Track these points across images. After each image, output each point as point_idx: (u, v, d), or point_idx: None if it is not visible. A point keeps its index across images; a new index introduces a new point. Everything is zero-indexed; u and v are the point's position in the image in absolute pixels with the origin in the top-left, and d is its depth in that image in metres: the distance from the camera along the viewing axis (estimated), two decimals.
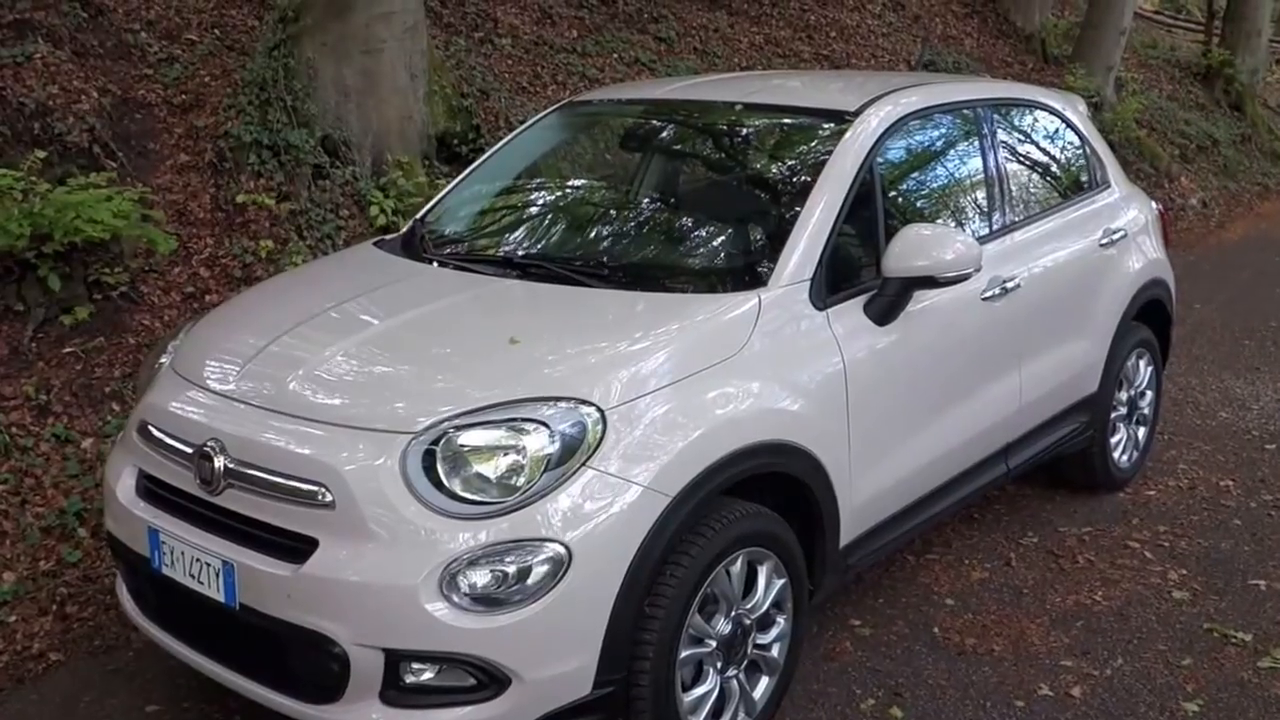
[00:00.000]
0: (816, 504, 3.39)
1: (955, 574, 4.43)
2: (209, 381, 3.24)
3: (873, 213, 3.74)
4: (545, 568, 2.77)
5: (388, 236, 4.29)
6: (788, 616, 3.39)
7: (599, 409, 2.91)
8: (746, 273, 3.51)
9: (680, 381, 3.07)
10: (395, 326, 3.33)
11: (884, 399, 3.61)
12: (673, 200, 4.30)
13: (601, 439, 2.88)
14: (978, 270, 3.64)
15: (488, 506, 2.80)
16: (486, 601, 2.75)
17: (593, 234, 4.02)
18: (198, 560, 3.02)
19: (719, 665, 3.21)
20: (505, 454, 2.84)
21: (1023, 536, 4.76)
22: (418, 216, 4.31)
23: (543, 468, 2.82)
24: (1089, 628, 4.06)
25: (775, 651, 3.38)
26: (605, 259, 3.74)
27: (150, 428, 3.27)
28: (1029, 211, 4.50)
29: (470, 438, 2.85)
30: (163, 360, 3.58)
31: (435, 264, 3.82)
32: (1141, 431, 5.31)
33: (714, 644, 3.17)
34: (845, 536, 3.55)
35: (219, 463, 3.00)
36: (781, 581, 3.34)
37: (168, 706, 3.60)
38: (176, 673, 3.70)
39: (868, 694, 3.65)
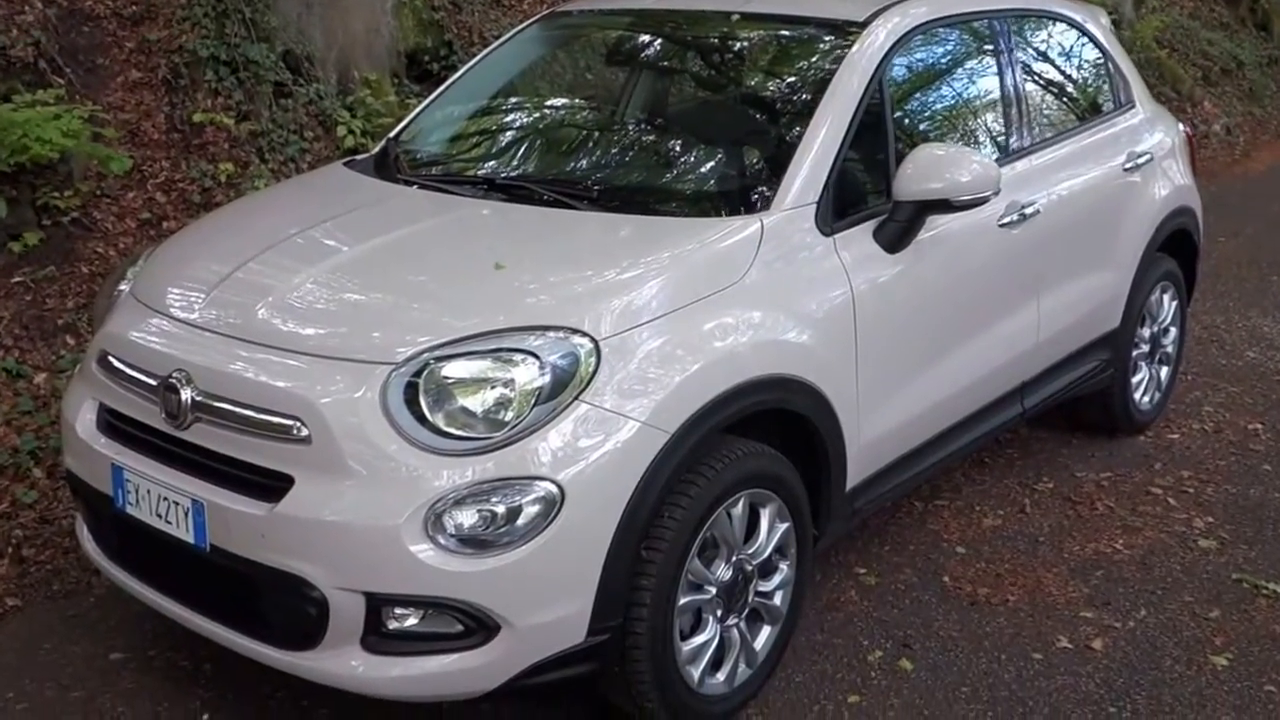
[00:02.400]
0: (822, 443, 3.41)
1: (966, 521, 4.48)
2: (173, 309, 3.24)
3: (882, 132, 3.73)
4: (536, 508, 2.79)
5: (358, 157, 4.27)
6: (791, 563, 3.43)
7: (592, 339, 2.92)
8: (747, 196, 3.51)
9: (678, 311, 3.07)
10: (371, 251, 3.32)
11: (893, 332, 3.63)
12: (665, 119, 4.27)
13: (595, 371, 2.89)
14: (996, 193, 3.64)
15: (474, 442, 2.81)
16: (474, 543, 2.77)
17: (579, 155, 4.01)
18: (165, 499, 3.03)
19: (719, 613, 3.24)
20: (492, 387, 2.85)
21: (1037, 482, 4.81)
22: (390, 136, 4.28)
23: (532, 401, 2.83)
24: (1109, 577, 4.12)
25: (778, 600, 3.42)
26: (594, 181, 3.73)
27: (110, 358, 3.27)
28: (1048, 133, 4.50)
29: (454, 369, 2.86)
30: (122, 287, 3.57)
31: (411, 185, 3.81)
32: (1164, 371, 5.35)
33: (714, 590, 3.20)
34: (852, 479, 3.58)
35: (186, 395, 3.00)
36: (785, 526, 3.37)
37: (133, 654, 3.63)
38: (141, 618, 3.73)
39: (875, 645, 3.70)
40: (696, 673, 3.20)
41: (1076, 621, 3.85)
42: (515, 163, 4.06)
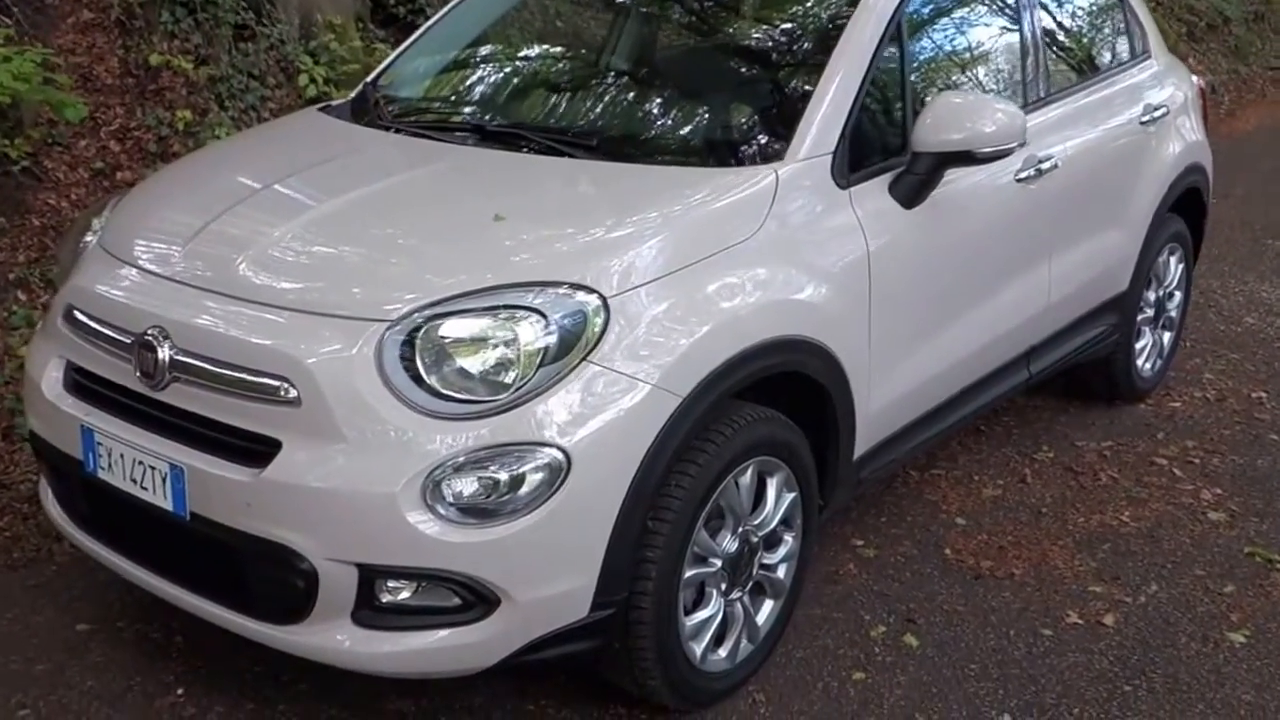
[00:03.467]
0: (832, 409, 3.37)
1: (965, 491, 4.46)
2: (145, 262, 3.13)
3: (898, 79, 3.66)
4: (541, 475, 2.72)
5: (334, 102, 4.16)
6: (796, 534, 3.39)
7: (600, 296, 2.84)
8: (760, 145, 3.44)
9: (689, 267, 3.00)
10: (359, 202, 3.22)
11: (907, 292, 3.58)
12: (665, 62, 4.18)
13: (603, 331, 2.82)
14: (1021, 145, 3.58)
15: (475, 405, 2.74)
16: (474, 512, 2.71)
17: (573, 101, 3.92)
18: (140, 463, 2.94)
19: (723, 587, 3.20)
20: (494, 346, 2.77)
21: (1036, 451, 4.79)
22: (369, 80, 4.17)
23: (537, 362, 2.76)
24: (1117, 550, 4.11)
25: (781, 573, 3.38)
26: (591, 128, 3.65)
27: (78, 313, 3.16)
28: (1066, 83, 4.46)
29: (453, 327, 2.78)
30: (87, 238, 3.45)
31: (395, 132, 3.71)
32: (1167, 337, 5.35)
33: (719, 563, 3.16)
34: (860, 446, 3.54)
35: (163, 353, 2.90)
36: (792, 495, 3.32)
37: (100, 625, 3.55)
38: (107, 587, 3.65)
39: (877, 620, 3.67)
40: (699, 649, 3.16)
41: (1085, 596, 3.84)
42: (506, 109, 3.96)
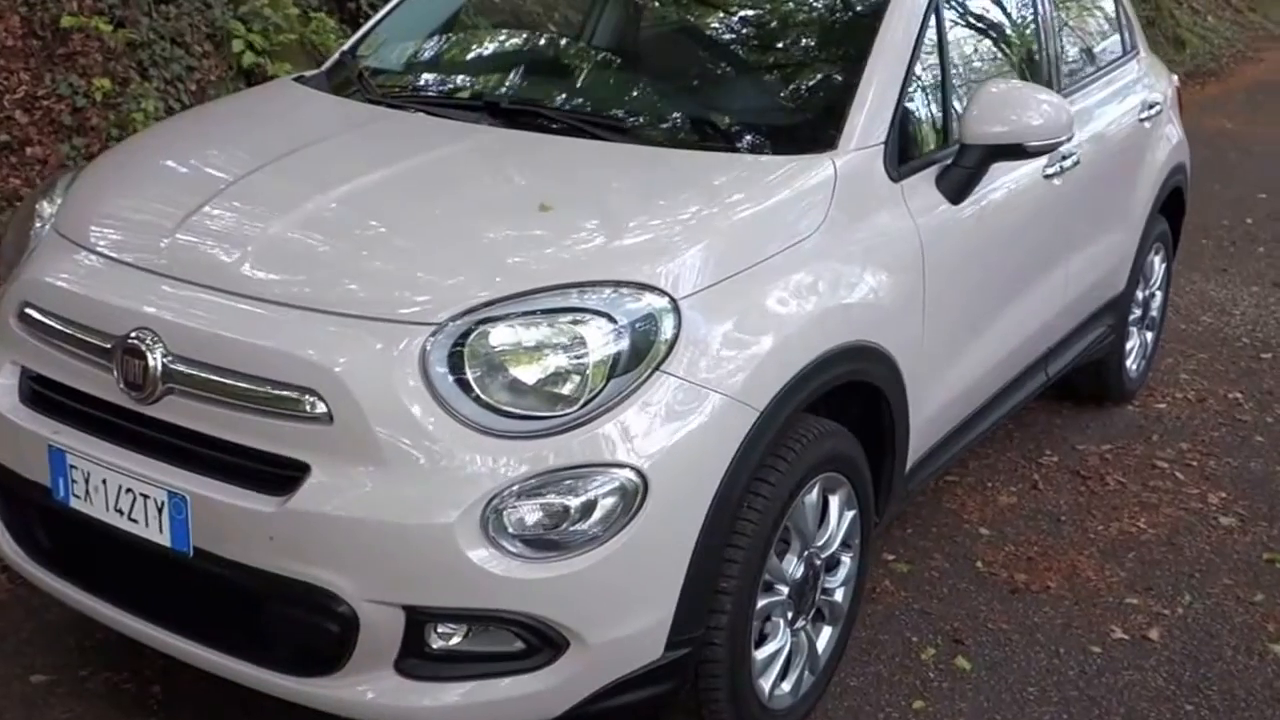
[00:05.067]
0: (890, 418, 3.06)
1: (981, 499, 4.20)
2: (120, 251, 2.67)
3: (938, 65, 3.36)
4: (614, 500, 2.34)
5: (308, 74, 3.69)
6: (854, 554, 3.06)
7: (670, 298, 2.47)
8: (809, 131, 3.09)
9: (759, 265, 2.65)
10: (379, 185, 2.77)
11: (955, 291, 3.28)
12: (702, 38, 3.78)
13: (675, 337, 2.45)
14: (1069, 138, 3.32)
15: (538, 422, 2.34)
16: (540, 545, 2.32)
17: (601, 78, 3.51)
18: (129, 491, 2.48)
19: (789, 616, 2.86)
20: (558, 355, 2.37)
21: (1040, 456, 4.56)
22: (345, 48, 3.69)
23: (607, 372, 2.38)
24: (1142, 559, 3.89)
25: (839, 596, 3.04)
26: (628, 108, 3.26)
27: (34, 312, 2.67)
28: (1079, 77, 4.22)
29: (510, 333, 2.37)
30: (35, 224, 2.96)
31: (393, 108, 3.28)
32: (1149, 336, 5.17)
33: (786, 590, 2.82)
34: (912, 456, 3.24)
35: (155, 360, 2.44)
36: (852, 513, 2.99)
37: (59, 675, 3.05)
38: (62, 629, 3.16)
39: (925, 642, 3.38)
40: (768, 685, 2.82)
41: (1124, 609, 3.60)
42: (519, 85, 3.54)
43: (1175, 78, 5.21)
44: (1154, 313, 5.16)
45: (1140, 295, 4.92)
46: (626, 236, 2.61)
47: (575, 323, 2.39)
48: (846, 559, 3.04)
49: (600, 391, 2.36)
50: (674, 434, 2.41)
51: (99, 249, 2.69)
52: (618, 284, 2.45)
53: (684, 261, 2.55)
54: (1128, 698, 3.22)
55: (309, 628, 2.40)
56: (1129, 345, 4.93)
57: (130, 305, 2.53)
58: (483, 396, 2.33)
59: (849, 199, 2.92)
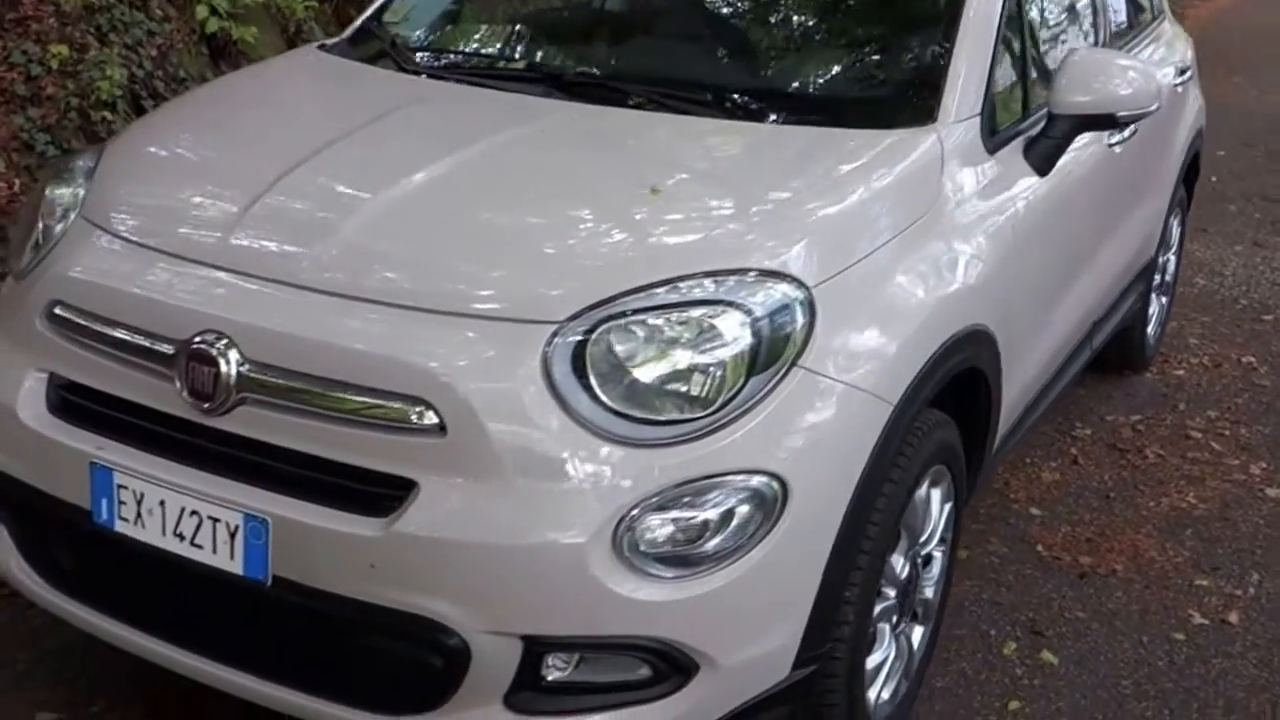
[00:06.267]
0: (987, 402, 2.90)
1: (1024, 476, 4.07)
2: (177, 244, 2.39)
3: (1020, 33, 3.19)
4: (753, 510, 2.14)
5: (328, 42, 3.39)
6: (945, 548, 2.91)
7: (804, 285, 2.27)
8: (908, 103, 2.90)
9: (883, 248, 2.47)
10: (461, 169, 2.52)
11: (1038, 265, 3.13)
12: (772, 5, 3.56)
13: (810, 328, 2.26)
14: (1158, 107, 3.17)
15: (674, 427, 2.13)
16: (674, 562, 2.11)
17: (683, 46, 3.23)
18: (193, 514, 2.22)
19: (893, 620, 2.70)
20: (694, 352, 2.17)
21: (1072, 429, 4.45)
22: (368, 15, 3.40)
23: (745, 369, 2.17)
24: (1200, 537, 3.79)
25: (930, 593, 2.89)
26: (716, 81, 3.03)
27: (70, 313, 2.39)
28: (1126, 40, 4.08)
29: (640, 331, 2.16)
30: (52, 213, 2.65)
31: (447, 80, 3.01)
32: (1164, 302, 5.10)
33: (893, 593, 2.65)
34: (998, 440, 3.09)
35: (229, 367, 2.18)
36: (949, 505, 2.84)
37: (70, 713, 2.77)
38: (62, 657, 2.90)
39: (1004, 635, 3.24)
40: (874, 696, 2.65)
41: (1195, 592, 3.51)
42: (590, 56, 3.28)
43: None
44: (1168, 278, 5.08)
45: (1161, 260, 4.82)
46: (748, 220, 2.41)
47: (709, 316, 2.19)
48: (938, 554, 2.88)
49: (739, 391, 2.16)
50: (812, 435, 2.24)
51: (147, 241, 2.41)
52: (749, 272, 2.24)
53: (812, 246, 2.36)
54: (1224, 688, 3.12)
55: (409, 662, 2.18)
56: (1151, 311, 4.84)
57: (194, 305, 2.26)
58: (612, 402, 2.12)
59: (954, 174, 2.76)
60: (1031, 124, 3.08)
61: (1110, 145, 3.58)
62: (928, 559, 2.83)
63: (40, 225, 2.65)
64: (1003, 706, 2.98)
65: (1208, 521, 3.89)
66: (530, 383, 2.10)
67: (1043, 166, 3.05)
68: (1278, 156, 8.47)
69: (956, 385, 2.73)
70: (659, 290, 2.19)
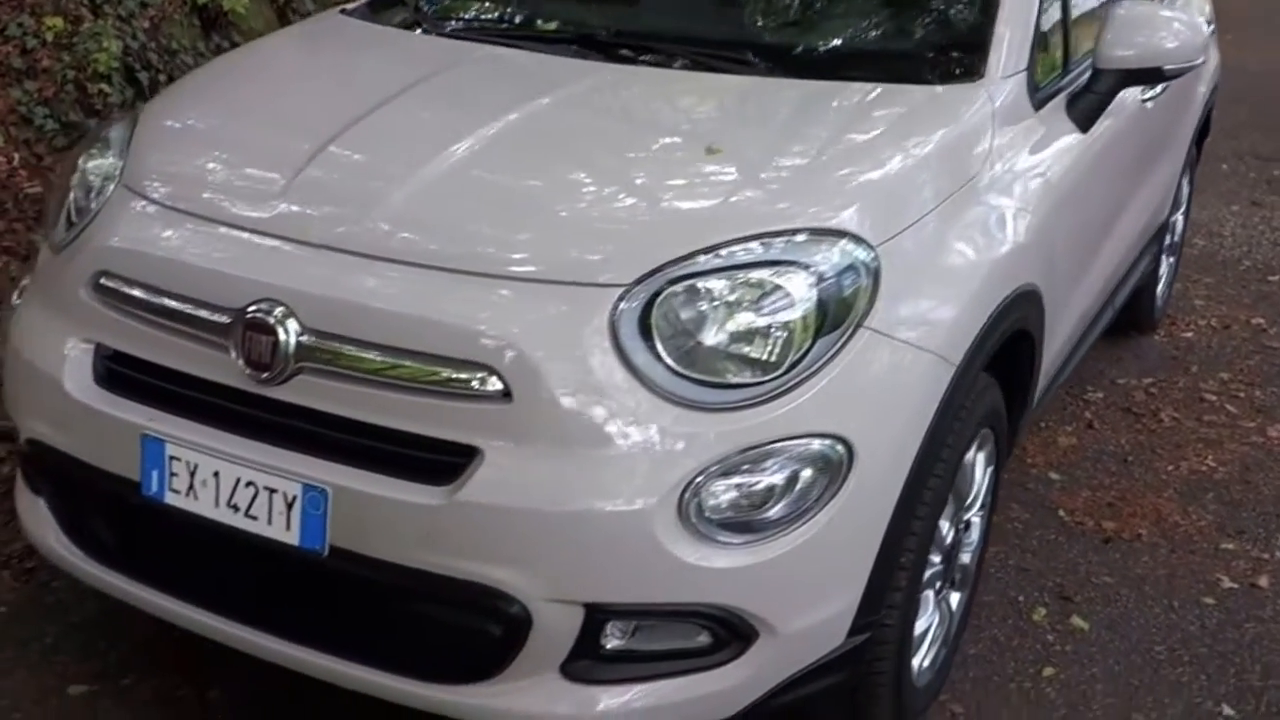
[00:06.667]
0: (1031, 364, 2.91)
1: (1041, 440, 4.09)
2: (226, 210, 2.36)
3: None
4: (818, 474, 2.14)
5: (349, 7, 3.35)
6: (984, 513, 2.93)
7: (868, 244, 2.27)
8: (956, 59, 2.88)
9: (940, 207, 2.46)
10: (513, 131, 2.49)
11: (1079, 224, 3.15)
12: None
13: (876, 288, 2.25)
14: (1204, 60, 3.17)
15: (742, 391, 2.12)
16: (738, 528, 2.11)
17: (724, 6, 3.22)
18: (249, 485, 2.20)
19: (937, 586, 2.71)
20: (761, 313, 2.16)
21: (1084, 392, 4.47)
22: None
23: (813, 331, 2.17)
24: (1222, 500, 3.82)
25: (967, 558, 2.90)
26: (758, 38, 3.01)
27: (117, 283, 2.37)
28: None
29: (707, 293, 2.15)
30: (86, 182, 2.61)
31: (477, 42, 2.98)
32: (1172, 262, 5.12)
33: (938, 559, 2.67)
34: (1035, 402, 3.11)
35: (288, 336, 2.16)
36: (991, 469, 2.86)
37: (100, 684, 2.76)
38: (88, 630, 2.90)
39: (1032, 601, 3.27)
40: (916, 665, 2.67)
41: (1222, 556, 3.53)
42: (629, 15, 3.26)
43: None
44: (1176, 238, 5.10)
45: (1170, 220, 4.84)
46: (808, 179, 2.41)
47: (777, 277, 2.17)
48: (977, 519, 2.90)
49: (807, 353, 2.15)
50: (879, 397, 2.24)
51: (194, 209, 2.38)
52: (816, 232, 2.23)
53: (874, 204, 2.35)
54: (1258, 652, 3.14)
55: (466, 631, 2.18)
56: (1162, 271, 4.86)
57: (249, 273, 2.24)
58: (679, 366, 2.11)
59: (1004, 130, 2.75)
60: (1072, 80, 3.08)
61: (1143, 101, 3.58)
62: (967, 524, 2.85)
63: (72, 196, 2.62)
64: (1036, 673, 3.00)
65: (1229, 485, 3.92)
66: (597, 348, 2.09)
67: (1085, 123, 3.05)
68: (1267, 114, 8.49)
69: (1005, 346, 2.75)
70: (724, 251, 2.18)
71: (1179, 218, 5.06)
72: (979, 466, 2.76)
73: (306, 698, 2.56)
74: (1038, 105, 2.91)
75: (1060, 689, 2.95)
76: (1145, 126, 3.68)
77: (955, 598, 2.89)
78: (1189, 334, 5.07)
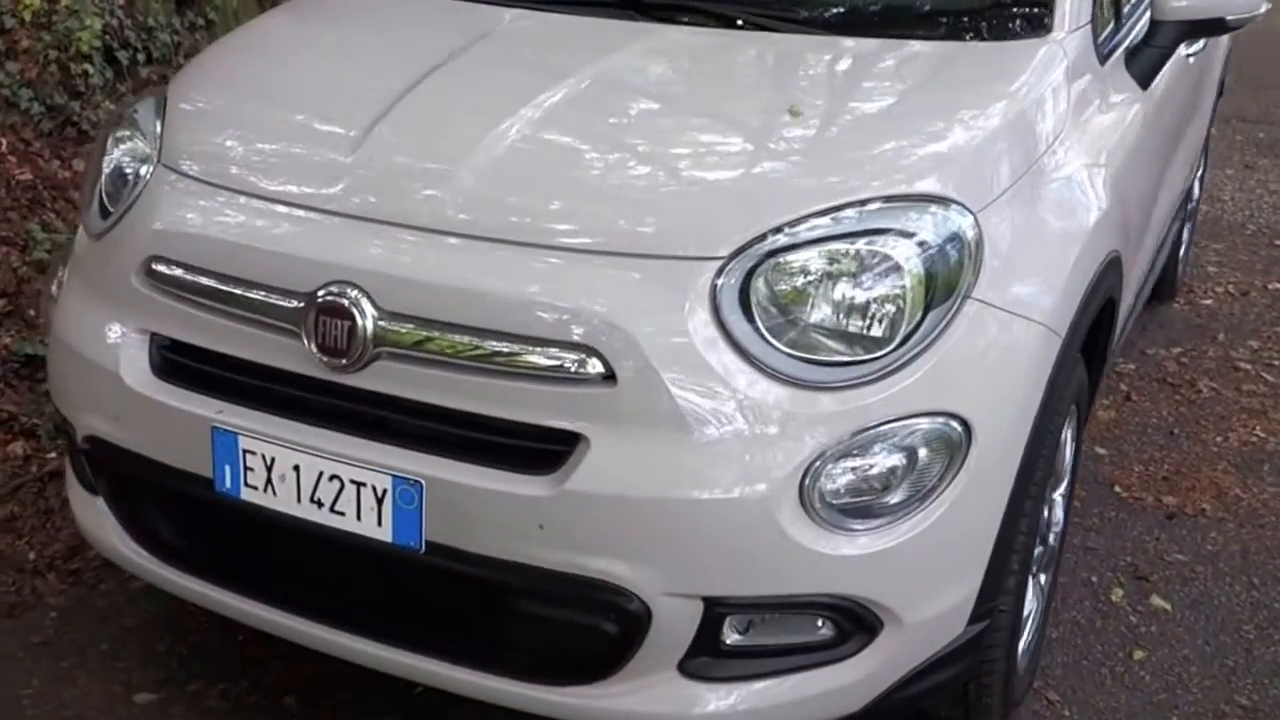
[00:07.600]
0: (1109, 333, 2.83)
1: None
2: (283, 187, 2.22)
3: None
4: (934, 454, 2.05)
5: None
6: (1066, 491, 2.85)
7: (970, 211, 2.17)
8: (1024, 12, 2.79)
9: (1032, 170, 2.37)
10: (578, 98, 2.36)
11: (1142, 186, 3.08)
12: None
13: (980, 256, 2.15)
14: (1265, 9, 3.10)
15: (855, 368, 2.02)
16: (858, 513, 2.02)
17: None
18: (333, 478, 2.08)
19: (1034, 569, 2.62)
20: (870, 285, 2.06)
21: (1116, 363, 4.42)
22: None
23: (923, 303, 2.07)
24: (1278, 470, 3.79)
25: (1052, 539, 2.82)
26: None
27: (173, 268, 2.22)
28: None
29: (812, 264, 2.04)
30: (117, 161, 2.46)
31: (521, 7, 2.82)
32: (1190, 227, 5.09)
33: (1039, 541, 2.58)
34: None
35: (365, 321, 2.03)
36: (1073, 445, 2.78)
37: (167, 692, 2.65)
38: (145, 635, 2.79)
39: (1107, 581, 3.21)
40: (1019, 649, 2.58)
41: None
42: None
43: None
44: (1192, 204, 5.05)
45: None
46: (898, 142, 2.30)
47: (883, 247, 2.06)
48: (1060, 497, 2.81)
49: (918, 326, 2.05)
50: (992, 372, 2.15)
51: (247, 187, 2.24)
52: (913, 198, 2.13)
53: (970, 168, 2.26)
54: None
55: (577, 629, 2.08)
56: (1182, 237, 4.83)
57: (317, 255, 2.11)
58: (784, 344, 2.01)
59: (1077, 87, 2.66)
60: (1126, 33, 3.01)
61: (1188, 56, 3.51)
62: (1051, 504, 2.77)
63: (104, 178, 2.46)
64: (1127, 655, 2.94)
65: None
66: (701, 325, 1.98)
67: (1145, 79, 2.99)
68: (1250, 76, 8.49)
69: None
70: (826, 219, 2.07)
71: (1195, 182, 5.03)
72: (1067, 444, 2.68)
73: (385, 696, 2.44)
74: (1101, 61, 2.82)
75: (1154, 672, 2.90)
76: (1189, 82, 3.64)
77: (1041, 579, 2.80)
78: (1209, 301, 5.05)
